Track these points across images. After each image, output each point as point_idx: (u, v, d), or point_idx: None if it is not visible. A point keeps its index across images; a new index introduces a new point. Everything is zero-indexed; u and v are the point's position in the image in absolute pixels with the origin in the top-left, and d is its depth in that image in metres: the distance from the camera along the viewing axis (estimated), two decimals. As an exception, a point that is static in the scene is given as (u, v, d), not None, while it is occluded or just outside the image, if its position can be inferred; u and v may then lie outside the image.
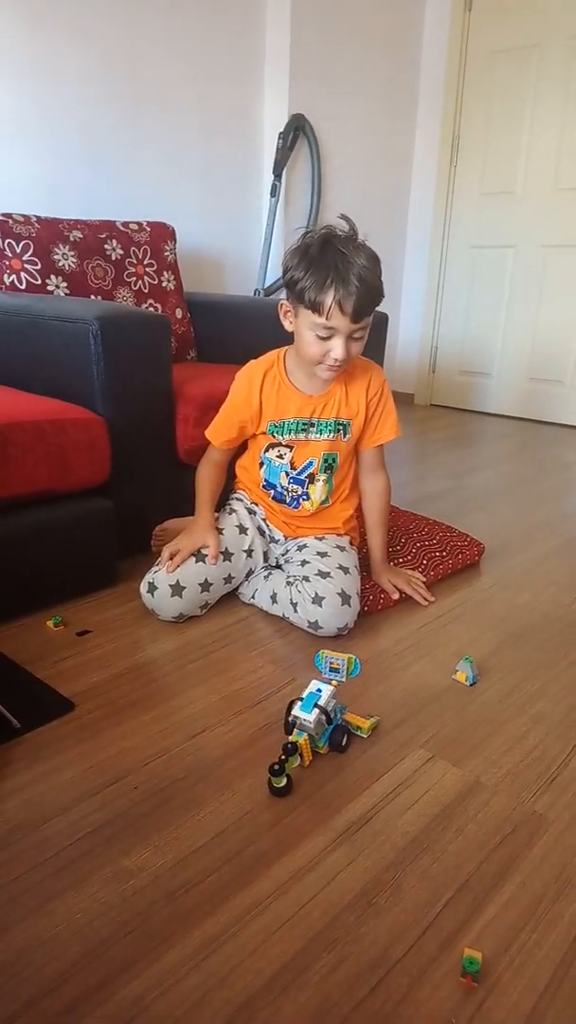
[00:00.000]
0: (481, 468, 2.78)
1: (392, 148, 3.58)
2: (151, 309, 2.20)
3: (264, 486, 1.56)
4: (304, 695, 1.08)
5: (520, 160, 3.41)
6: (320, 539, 1.53)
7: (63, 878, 0.86)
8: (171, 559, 1.43)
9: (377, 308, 1.29)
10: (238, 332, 2.37)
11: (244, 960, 0.76)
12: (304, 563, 1.46)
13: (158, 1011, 0.71)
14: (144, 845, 0.91)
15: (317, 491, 1.51)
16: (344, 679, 1.26)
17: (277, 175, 2.96)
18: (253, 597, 1.53)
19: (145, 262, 2.21)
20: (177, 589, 1.42)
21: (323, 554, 1.47)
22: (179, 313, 2.30)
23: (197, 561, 1.45)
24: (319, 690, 1.08)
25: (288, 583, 1.45)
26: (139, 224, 2.25)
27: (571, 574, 1.78)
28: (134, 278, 2.17)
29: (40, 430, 1.42)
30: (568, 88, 3.19)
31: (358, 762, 1.08)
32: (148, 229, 2.26)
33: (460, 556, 1.76)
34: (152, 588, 1.44)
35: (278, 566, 1.58)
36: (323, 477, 1.50)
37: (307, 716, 1.05)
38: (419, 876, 0.88)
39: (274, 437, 1.49)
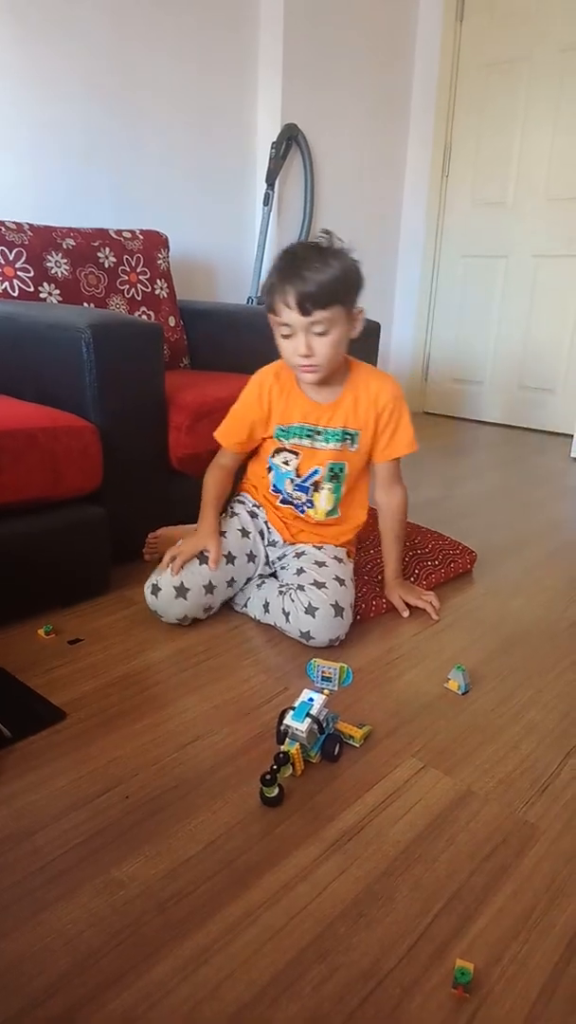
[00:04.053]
0: (473, 476, 2.79)
1: (384, 158, 3.60)
2: (144, 317, 2.20)
3: (272, 490, 1.56)
4: (296, 704, 1.08)
5: (511, 170, 3.43)
6: (319, 548, 1.52)
7: (54, 888, 0.85)
8: (172, 562, 1.44)
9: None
10: (231, 340, 2.38)
11: (235, 971, 0.76)
12: (300, 571, 1.46)
13: (149, 1022, 0.71)
14: (135, 855, 0.91)
15: (322, 500, 1.51)
16: (336, 688, 1.26)
17: (270, 184, 2.97)
18: (245, 606, 1.53)
19: (138, 270, 2.21)
20: (181, 591, 1.42)
21: (321, 564, 1.47)
22: (172, 321, 2.31)
23: (201, 563, 1.45)
24: (311, 699, 1.08)
25: (281, 592, 1.45)
26: (132, 232, 2.25)
27: (563, 581, 1.79)
28: (127, 286, 2.18)
29: (32, 438, 1.42)
30: (558, 99, 3.22)
31: (350, 771, 1.08)
32: (141, 237, 2.26)
33: (452, 564, 1.76)
34: (156, 590, 1.44)
35: (272, 575, 1.58)
36: (328, 486, 1.50)
37: (299, 725, 1.04)
38: (411, 886, 0.88)
39: (280, 441, 1.50)
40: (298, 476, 1.50)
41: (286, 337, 1.33)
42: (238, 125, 2.93)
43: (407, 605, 1.57)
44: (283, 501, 1.56)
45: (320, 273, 1.25)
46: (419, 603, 1.57)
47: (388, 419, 1.47)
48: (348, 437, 1.47)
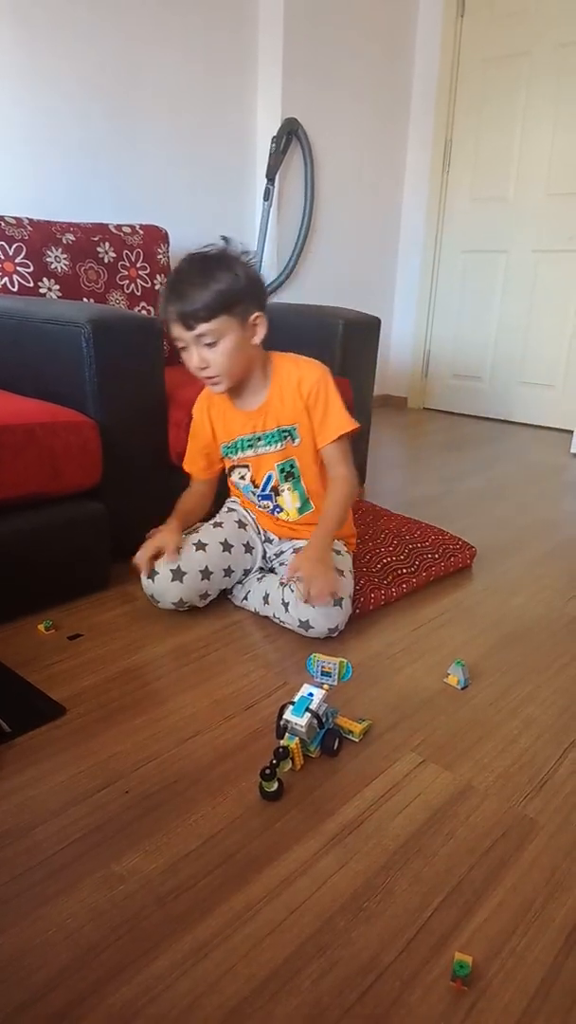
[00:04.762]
0: (473, 472, 2.79)
1: (385, 153, 3.59)
2: (144, 312, 2.20)
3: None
4: (296, 699, 1.08)
5: (512, 165, 3.43)
6: None
7: (54, 883, 0.86)
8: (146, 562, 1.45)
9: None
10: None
11: (235, 965, 0.76)
12: None
13: (149, 1016, 0.71)
14: (135, 850, 0.91)
15: (287, 500, 1.52)
16: (336, 683, 1.26)
17: (270, 179, 2.96)
18: (245, 599, 1.53)
19: (138, 265, 2.21)
20: (178, 574, 1.44)
21: None
22: (172, 316, 2.30)
23: (198, 549, 1.47)
24: (311, 694, 1.08)
25: (282, 584, 1.46)
26: (132, 227, 2.25)
27: (563, 577, 1.79)
28: (127, 281, 2.17)
29: (31, 433, 1.42)
30: (558, 95, 3.21)
31: (349, 766, 1.08)
32: (141, 232, 2.26)
33: (452, 559, 1.76)
34: (153, 574, 1.45)
35: (271, 570, 1.58)
36: (288, 486, 1.51)
37: (299, 720, 1.05)
38: (410, 880, 0.88)
39: (231, 459, 1.54)
40: (256, 487, 1.53)
41: (183, 350, 1.35)
42: (238, 120, 2.92)
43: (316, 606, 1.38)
44: (260, 509, 1.58)
45: (200, 288, 1.28)
46: (315, 587, 1.34)
47: (315, 403, 1.44)
48: (286, 434, 1.47)
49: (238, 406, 1.48)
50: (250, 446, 1.49)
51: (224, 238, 1.37)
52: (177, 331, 1.32)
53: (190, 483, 1.61)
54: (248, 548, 1.55)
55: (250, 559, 1.56)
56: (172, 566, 1.44)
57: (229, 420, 1.50)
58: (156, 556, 1.45)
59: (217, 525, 1.55)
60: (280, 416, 1.46)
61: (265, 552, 1.58)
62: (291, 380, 1.44)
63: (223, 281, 1.29)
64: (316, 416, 1.46)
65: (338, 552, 1.51)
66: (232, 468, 1.56)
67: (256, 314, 1.36)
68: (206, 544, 1.49)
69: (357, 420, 1.48)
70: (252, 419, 1.47)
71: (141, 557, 1.45)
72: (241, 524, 1.57)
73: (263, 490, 1.53)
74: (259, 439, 1.48)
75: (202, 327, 1.30)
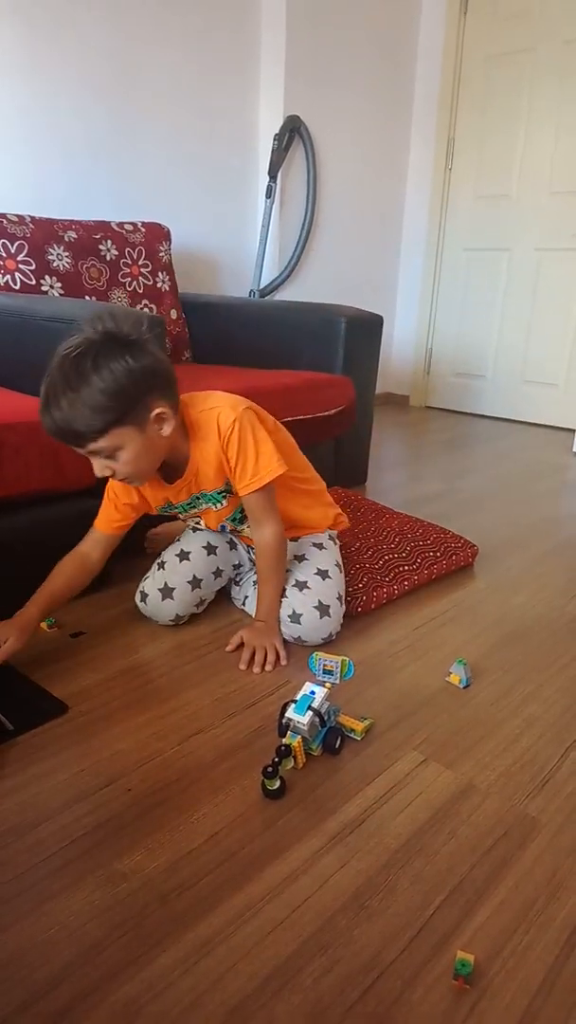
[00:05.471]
0: (475, 470, 2.79)
1: (387, 151, 3.59)
2: (146, 310, 2.20)
3: None
4: (298, 697, 1.08)
5: (515, 163, 3.42)
6: (295, 540, 1.50)
7: (56, 881, 0.86)
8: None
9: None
10: (233, 333, 2.38)
11: (237, 963, 0.76)
12: (285, 570, 1.43)
13: (151, 1013, 0.71)
14: (137, 848, 0.91)
15: (250, 533, 1.46)
16: (338, 681, 1.27)
17: (272, 176, 2.96)
18: (244, 604, 1.53)
19: (140, 262, 2.21)
20: (167, 592, 1.42)
21: (300, 557, 1.45)
22: (174, 314, 2.30)
23: (182, 560, 1.45)
24: (313, 692, 1.08)
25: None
26: (134, 224, 2.25)
27: (565, 576, 1.79)
28: (129, 278, 2.17)
29: (34, 430, 1.41)
30: (562, 92, 3.20)
31: (351, 764, 1.08)
32: (143, 229, 2.26)
33: (454, 557, 1.76)
34: (143, 596, 1.44)
35: None
36: (244, 527, 1.44)
37: (301, 718, 1.05)
38: (412, 879, 0.88)
39: (175, 513, 1.44)
40: (213, 530, 1.49)
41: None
42: (240, 118, 2.92)
43: (251, 661, 1.34)
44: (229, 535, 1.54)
45: (76, 402, 1.06)
46: (259, 654, 1.33)
47: (228, 447, 1.28)
48: (225, 492, 1.37)
49: (164, 479, 1.34)
50: (192, 507, 1.41)
51: (99, 317, 1.12)
52: (68, 445, 1.14)
53: (82, 543, 1.38)
54: (232, 545, 1.53)
55: (236, 555, 1.54)
56: (159, 584, 1.42)
57: (156, 488, 1.35)
58: None
59: (196, 529, 1.51)
60: (210, 479, 1.33)
61: (250, 553, 1.55)
62: (211, 433, 1.28)
63: (102, 390, 1.06)
64: (231, 461, 1.29)
65: (320, 547, 1.47)
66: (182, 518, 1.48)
67: (158, 410, 1.15)
68: (189, 552, 1.46)
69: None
70: (184, 487, 1.34)
71: None
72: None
73: (223, 532, 1.49)
74: (199, 499, 1.38)
75: (91, 446, 1.12)
